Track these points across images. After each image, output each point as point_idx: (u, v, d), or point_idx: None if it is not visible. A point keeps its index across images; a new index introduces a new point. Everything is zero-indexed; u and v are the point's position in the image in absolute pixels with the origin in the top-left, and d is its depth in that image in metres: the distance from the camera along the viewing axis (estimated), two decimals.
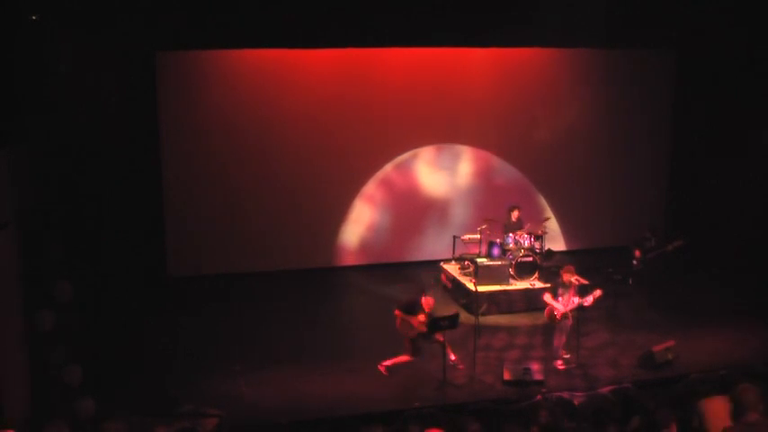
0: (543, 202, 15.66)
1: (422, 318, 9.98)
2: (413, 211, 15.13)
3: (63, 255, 9.18)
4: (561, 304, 10.45)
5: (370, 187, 14.97)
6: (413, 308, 10.09)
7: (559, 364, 10.53)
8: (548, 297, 10.59)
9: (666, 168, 16.12)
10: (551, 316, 10.63)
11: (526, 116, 15.29)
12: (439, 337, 10.11)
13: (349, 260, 15.03)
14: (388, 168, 15.00)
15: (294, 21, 11.58)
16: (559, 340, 10.64)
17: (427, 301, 10.07)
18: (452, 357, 10.35)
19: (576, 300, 10.42)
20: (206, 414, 8.91)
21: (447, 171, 15.23)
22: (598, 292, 10.45)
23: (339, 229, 14.91)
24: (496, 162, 15.41)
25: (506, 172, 15.47)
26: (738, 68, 13.79)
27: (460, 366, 10.44)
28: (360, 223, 15.01)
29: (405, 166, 15.07)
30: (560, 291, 10.53)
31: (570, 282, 10.50)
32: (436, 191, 15.25)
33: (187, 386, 9.78)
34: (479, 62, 14.92)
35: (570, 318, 10.53)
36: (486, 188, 15.36)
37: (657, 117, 15.87)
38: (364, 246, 15.06)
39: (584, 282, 10.74)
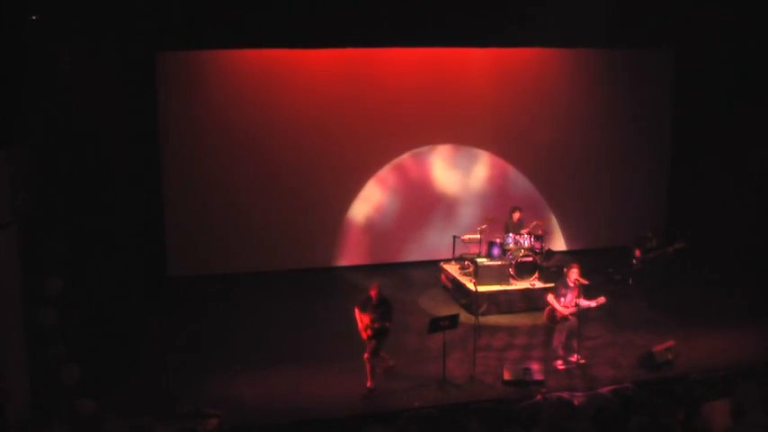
0: (543, 201, 15.65)
1: (366, 319, 9.89)
2: (412, 212, 15.10)
3: (63, 254, 9.18)
4: (564, 305, 10.45)
5: (370, 188, 14.96)
6: (364, 304, 10.04)
7: (559, 364, 10.53)
8: (551, 299, 10.59)
9: (666, 168, 16.11)
10: (551, 316, 10.62)
11: (526, 116, 15.26)
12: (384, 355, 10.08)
13: (349, 260, 15.02)
14: (387, 169, 14.99)
15: (294, 21, 11.58)
16: (559, 340, 10.63)
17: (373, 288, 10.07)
18: (391, 363, 10.27)
19: (579, 301, 10.42)
20: (206, 414, 8.91)
21: (446, 172, 15.21)
22: (602, 300, 10.47)
23: (339, 229, 14.91)
24: (496, 162, 15.39)
25: (506, 172, 15.46)
26: (738, 68, 13.78)
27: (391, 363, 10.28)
28: (359, 223, 15.00)
29: (403, 166, 15.05)
30: (562, 291, 10.53)
31: (574, 282, 10.51)
32: (436, 192, 15.23)
33: (187, 386, 9.77)
34: (479, 62, 14.91)
35: (571, 319, 10.52)
36: (485, 188, 15.35)
37: (657, 117, 15.86)
38: (364, 246, 15.04)
39: (585, 282, 10.73)
